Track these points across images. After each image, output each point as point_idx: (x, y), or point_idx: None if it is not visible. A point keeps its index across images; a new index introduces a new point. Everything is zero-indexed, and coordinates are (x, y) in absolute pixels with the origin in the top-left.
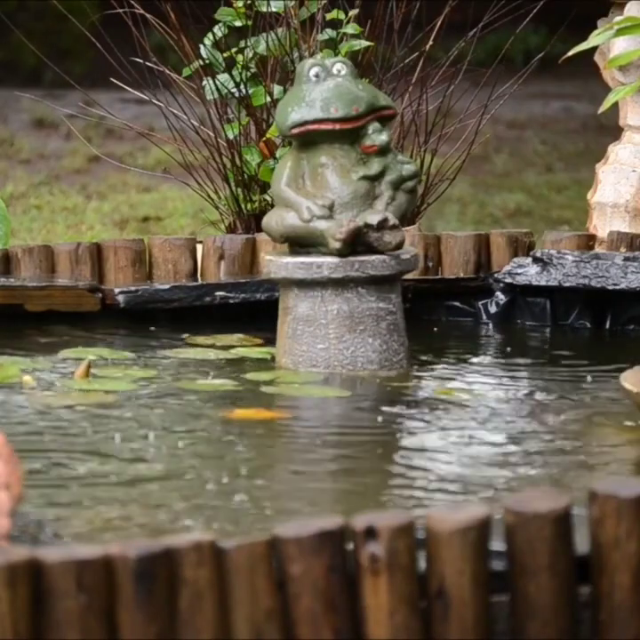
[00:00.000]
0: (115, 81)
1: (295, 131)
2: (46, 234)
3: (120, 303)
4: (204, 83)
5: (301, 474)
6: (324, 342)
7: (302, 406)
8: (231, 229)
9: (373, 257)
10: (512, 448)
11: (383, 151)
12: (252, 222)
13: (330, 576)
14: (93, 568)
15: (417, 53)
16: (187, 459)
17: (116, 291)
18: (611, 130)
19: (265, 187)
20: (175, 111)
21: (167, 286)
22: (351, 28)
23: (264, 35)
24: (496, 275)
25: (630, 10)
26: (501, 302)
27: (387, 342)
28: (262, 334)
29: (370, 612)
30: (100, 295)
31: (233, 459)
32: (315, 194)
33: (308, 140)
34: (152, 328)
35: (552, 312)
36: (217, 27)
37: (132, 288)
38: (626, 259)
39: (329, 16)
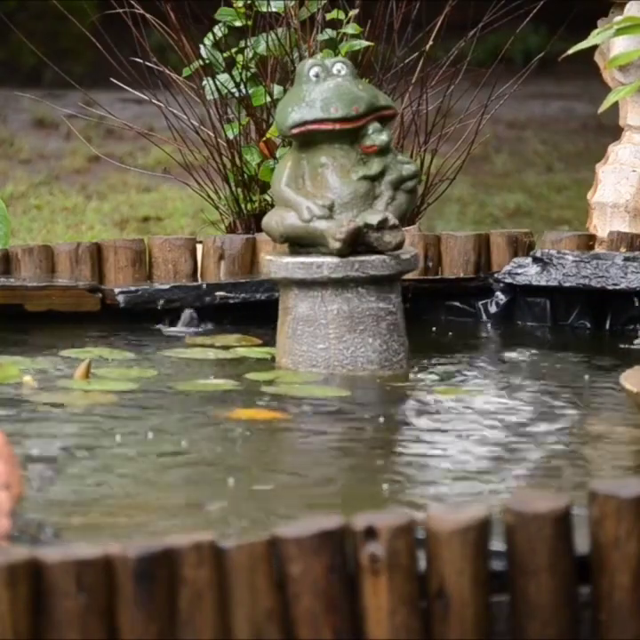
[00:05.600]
0: (115, 81)
1: (295, 131)
2: (46, 234)
3: (120, 303)
4: (204, 83)
5: (301, 473)
6: (324, 342)
7: (302, 406)
8: (231, 229)
9: (373, 257)
10: (512, 448)
11: (383, 151)
12: (252, 222)
13: (330, 576)
14: (93, 568)
15: (417, 53)
16: (186, 459)
17: (116, 291)
18: (611, 130)
19: (265, 187)
20: (175, 111)
21: (167, 286)
22: (351, 28)
23: (264, 35)
24: (496, 275)
25: (630, 10)
26: (501, 302)
27: (387, 342)
28: (262, 334)
29: (370, 611)
30: (100, 295)
31: (233, 458)
32: (315, 194)
33: (307, 139)
34: (152, 328)
35: (552, 312)
36: (217, 27)
37: (132, 288)
38: (626, 259)
39: (329, 16)
